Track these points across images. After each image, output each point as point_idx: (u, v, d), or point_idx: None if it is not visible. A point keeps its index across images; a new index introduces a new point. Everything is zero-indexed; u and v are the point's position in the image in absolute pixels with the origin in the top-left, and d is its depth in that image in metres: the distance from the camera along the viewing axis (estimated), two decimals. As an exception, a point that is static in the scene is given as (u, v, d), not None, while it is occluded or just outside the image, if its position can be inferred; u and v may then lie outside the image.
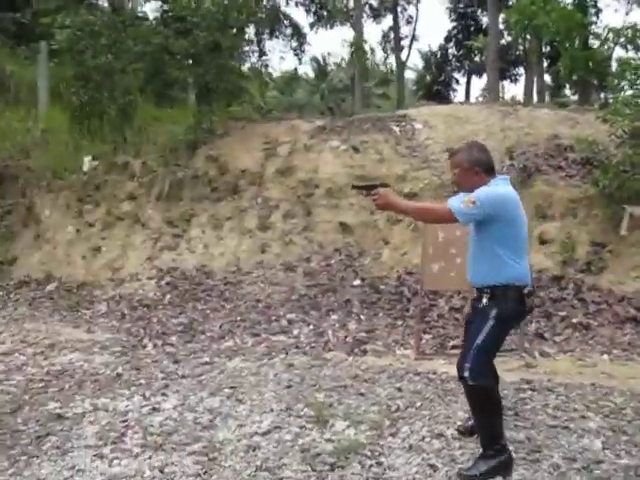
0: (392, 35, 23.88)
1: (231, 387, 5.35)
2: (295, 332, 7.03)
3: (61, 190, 10.28)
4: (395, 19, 24.11)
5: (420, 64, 33.24)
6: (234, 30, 11.12)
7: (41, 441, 4.47)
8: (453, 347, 6.30)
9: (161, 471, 3.91)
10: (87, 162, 10.23)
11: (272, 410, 4.80)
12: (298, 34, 16.93)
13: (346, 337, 6.71)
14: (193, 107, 11.23)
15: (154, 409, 4.96)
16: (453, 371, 5.40)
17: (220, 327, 7.34)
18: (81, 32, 10.62)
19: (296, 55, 17.73)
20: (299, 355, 6.24)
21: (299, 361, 6.02)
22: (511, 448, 3.88)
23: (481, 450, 3.72)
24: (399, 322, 6.99)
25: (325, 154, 9.26)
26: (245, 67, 14.80)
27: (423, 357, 6.01)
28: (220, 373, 5.78)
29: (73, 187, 10.16)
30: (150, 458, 4.10)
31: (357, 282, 7.84)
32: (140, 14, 14.97)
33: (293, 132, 9.96)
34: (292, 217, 8.94)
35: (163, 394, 5.29)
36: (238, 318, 7.54)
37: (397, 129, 9.26)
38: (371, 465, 3.85)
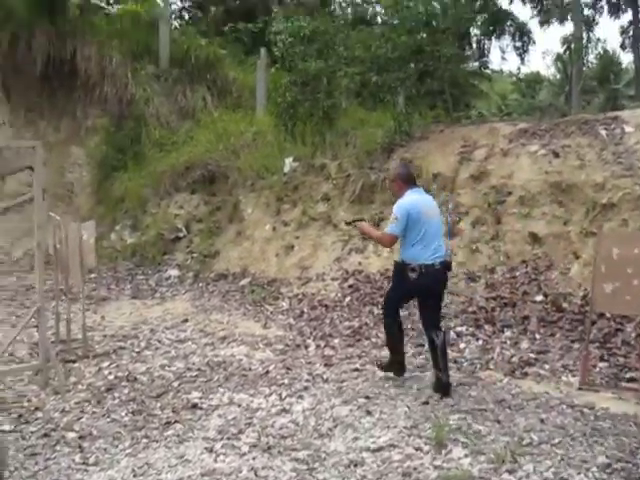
0: (631, 31, 21.59)
1: (367, 397, 5.14)
2: (462, 346, 6.62)
3: (263, 190, 10.73)
4: (635, 13, 21.81)
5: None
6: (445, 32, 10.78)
7: (167, 427, 4.64)
8: (630, 380, 5.51)
9: (256, 473, 3.85)
10: (288, 163, 10.56)
11: (396, 427, 4.52)
12: (521, 32, 15.85)
13: (512, 356, 6.16)
14: (398, 110, 11.09)
15: (283, 410, 4.93)
16: (615, 407, 4.81)
17: (377, 335, 7.14)
18: (294, 38, 10.95)
19: (519, 55, 16.67)
20: (452, 371, 5.83)
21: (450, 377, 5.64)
22: None
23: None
24: (576, 345, 6.27)
25: (522, 159, 8.63)
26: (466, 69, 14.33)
27: (589, 387, 5.30)
28: (365, 381, 5.59)
29: (274, 187, 10.54)
30: (254, 459, 4.07)
31: (539, 297, 7.19)
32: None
33: (492, 135, 9.41)
34: (481, 224, 8.45)
35: (299, 396, 5.24)
36: (408, 327, 7.28)
37: (604, 132, 8.34)
38: (469, 502, 3.46)
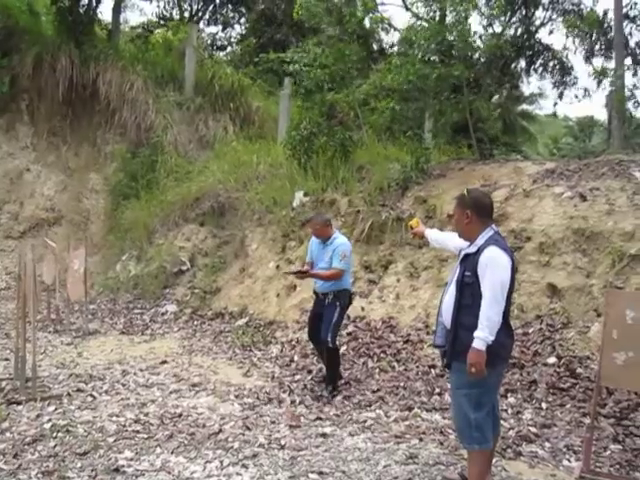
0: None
1: (320, 472, 4.36)
2: (454, 412, 5.76)
3: (270, 224, 10.08)
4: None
5: None
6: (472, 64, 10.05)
7: (72, 498, 3.94)
8: (646, 470, 4.62)
9: None
10: (298, 198, 9.90)
11: (339, 515, 3.73)
12: (562, 68, 14.85)
13: (510, 429, 5.30)
14: (422, 145, 10.32)
15: (217, 484, 4.18)
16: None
17: (374, 392, 6.34)
18: (309, 67, 10.40)
19: (560, 93, 15.60)
20: (434, 445, 5.00)
21: (428, 453, 4.79)
22: None
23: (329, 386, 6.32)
24: (587, 420, 5.34)
25: (545, 201, 7.79)
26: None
27: (592, 477, 4.41)
28: (326, 451, 4.80)
29: (281, 222, 9.88)
30: None
31: (551, 360, 6.30)
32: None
33: (516, 175, 8.60)
34: (496, 273, 7.59)
35: (243, 465, 4.49)
36: (400, 384, 6.47)
37: (639, 175, 7.47)
38: None
